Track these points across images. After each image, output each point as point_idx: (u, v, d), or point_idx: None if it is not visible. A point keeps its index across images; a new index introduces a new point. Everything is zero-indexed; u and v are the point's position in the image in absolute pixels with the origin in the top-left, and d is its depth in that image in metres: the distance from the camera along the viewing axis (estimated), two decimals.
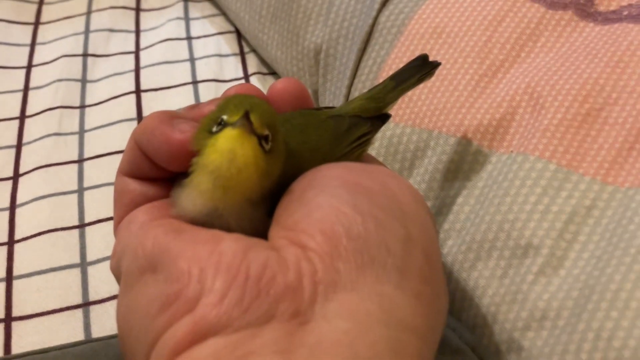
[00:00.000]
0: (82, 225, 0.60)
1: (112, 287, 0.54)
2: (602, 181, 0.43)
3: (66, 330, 0.52)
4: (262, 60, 0.77)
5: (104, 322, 0.53)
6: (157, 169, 0.37)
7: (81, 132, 0.69)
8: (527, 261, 0.42)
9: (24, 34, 0.82)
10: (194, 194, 0.34)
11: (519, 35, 0.51)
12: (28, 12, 0.86)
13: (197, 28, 0.82)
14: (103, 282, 0.55)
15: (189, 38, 0.81)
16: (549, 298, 0.41)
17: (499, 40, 0.51)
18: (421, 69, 0.46)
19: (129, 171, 0.38)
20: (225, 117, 0.34)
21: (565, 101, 0.46)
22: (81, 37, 0.81)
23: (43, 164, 0.65)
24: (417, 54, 0.53)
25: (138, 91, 0.73)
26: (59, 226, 0.60)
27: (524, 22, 0.52)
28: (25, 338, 0.52)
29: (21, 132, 0.69)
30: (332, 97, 0.61)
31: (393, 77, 0.45)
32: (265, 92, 0.40)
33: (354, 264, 0.31)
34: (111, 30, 0.82)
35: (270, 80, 0.75)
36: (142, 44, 0.80)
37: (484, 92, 0.50)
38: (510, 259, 0.43)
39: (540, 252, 0.42)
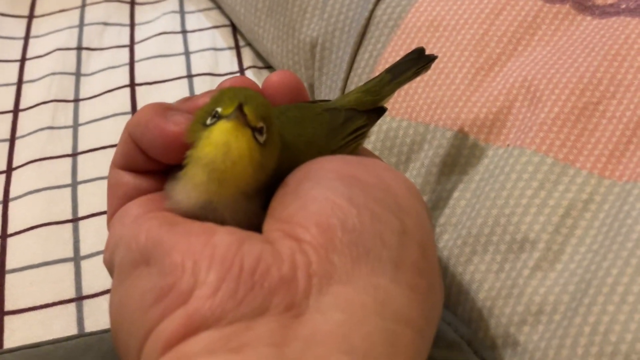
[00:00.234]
0: (75, 219, 0.59)
1: (106, 282, 0.54)
2: (599, 175, 0.43)
3: (59, 325, 0.52)
4: (258, 54, 0.76)
5: (97, 317, 0.53)
6: (151, 161, 0.37)
7: (75, 125, 0.69)
8: (523, 255, 0.42)
9: (18, 27, 0.82)
10: (188, 187, 0.34)
11: (516, 28, 0.51)
12: (22, 5, 0.85)
13: (192, 21, 0.82)
14: (96, 276, 0.55)
15: (184, 31, 0.80)
16: (545, 292, 0.41)
17: (496, 34, 0.51)
18: (417, 62, 0.46)
19: (123, 164, 0.38)
20: (219, 109, 0.34)
21: (563, 95, 0.46)
22: (75, 31, 0.81)
23: (36, 157, 0.65)
24: (413, 47, 0.53)
25: (132, 85, 0.73)
26: (52, 220, 0.59)
27: (521, 16, 0.51)
28: (18, 332, 0.52)
29: (15, 126, 0.69)
30: (328, 90, 0.61)
31: (389, 71, 0.45)
32: (260, 86, 0.40)
33: (349, 256, 0.31)
34: (106, 24, 0.82)
35: (265, 73, 0.74)
36: (137, 38, 0.80)
37: (481, 86, 0.49)
38: (506, 253, 0.43)
39: (536, 246, 0.42)
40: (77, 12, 0.84)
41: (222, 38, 0.79)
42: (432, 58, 0.46)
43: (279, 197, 0.35)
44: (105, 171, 0.40)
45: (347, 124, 0.41)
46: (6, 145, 0.67)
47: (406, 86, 0.48)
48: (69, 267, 0.56)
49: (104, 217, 0.39)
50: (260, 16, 0.71)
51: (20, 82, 0.74)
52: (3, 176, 0.64)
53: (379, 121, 0.46)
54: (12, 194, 0.62)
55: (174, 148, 0.35)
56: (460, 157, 0.48)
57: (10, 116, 0.70)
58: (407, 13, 0.55)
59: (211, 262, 0.31)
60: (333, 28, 0.61)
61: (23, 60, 0.77)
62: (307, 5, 0.65)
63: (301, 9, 0.65)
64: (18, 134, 0.68)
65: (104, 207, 0.39)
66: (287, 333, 0.29)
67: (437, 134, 0.49)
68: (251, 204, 0.35)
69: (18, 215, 0.60)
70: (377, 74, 0.54)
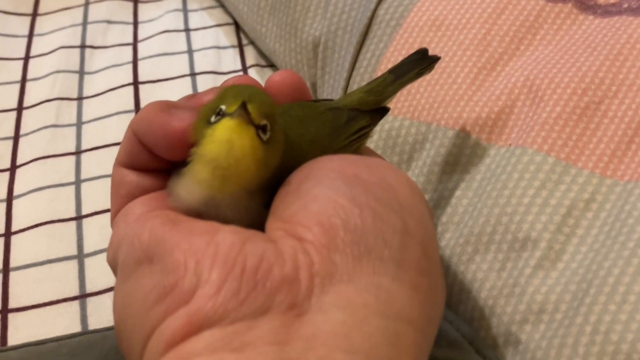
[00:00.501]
0: (79, 217, 0.60)
1: (109, 279, 0.54)
2: (600, 174, 0.43)
3: (63, 322, 0.52)
4: (261, 53, 0.76)
5: (101, 314, 0.53)
6: (155, 159, 0.37)
7: (79, 123, 0.69)
8: (525, 254, 0.42)
9: (21, 25, 0.82)
10: (191, 184, 0.34)
11: (518, 28, 0.51)
12: (26, 3, 0.86)
13: (195, 20, 0.82)
14: (100, 274, 0.55)
15: (187, 30, 0.81)
16: (546, 291, 0.41)
17: (498, 33, 0.51)
18: (420, 62, 0.46)
19: (127, 162, 0.38)
20: (223, 107, 0.34)
21: (564, 94, 0.46)
22: (79, 29, 0.81)
23: (40, 155, 0.65)
24: (415, 46, 0.53)
25: (136, 83, 0.73)
26: (56, 218, 0.60)
27: (524, 15, 0.52)
28: (22, 330, 0.52)
29: (19, 124, 0.69)
30: (331, 89, 0.61)
31: (392, 71, 0.45)
32: (263, 84, 0.40)
33: (351, 255, 0.31)
34: (109, 22, 0.82)
35: (268, 72, 0.75)
36: (140, 36, 0.80)
37: (483, 85, 0.50)
38: (508, 252, 0.43)
39: (538, 245, 0.42)
40: (81, 10, 0.84)
41: (225, 36, 0.79)
42: (435, 59, 0.46)
43: (281, 196, 0.35)
44: (108, 169, 0.40)
45: (350, 124, 0.41)
46: (10, 143, 0.67)
47: (408, 85, 0.49)
48: (73, 264, 0.56)
49: (108, 215, 0.39)
50: (263, 15, 0.71)
51: (24, 80, 0.74)
52: (7, 174, 0.64)
53: (382, 120, 0.46)
54: (16, 192, 0.62)
55: (178, 144, 0.35)
56: (462, 156, 0.48)
57: (14, 114, 0.70)
58: (410, 12, 0.55)
59: (214, 261, 0.31)
60: (336, 27, 0.61)
61: (27, 58, 0.78)
62: (309, 4, 0.65)
63: (304, 8, 0.65)
64: (22, 131, 0.68)
65: (107, 205, 0.39)
66: (289, 332, 0.29)
67: (439, 133, 0.49)
68: (253, 202, 0.35)
69: (22, 213, 0.60)
70: (379, 73, 0.54)
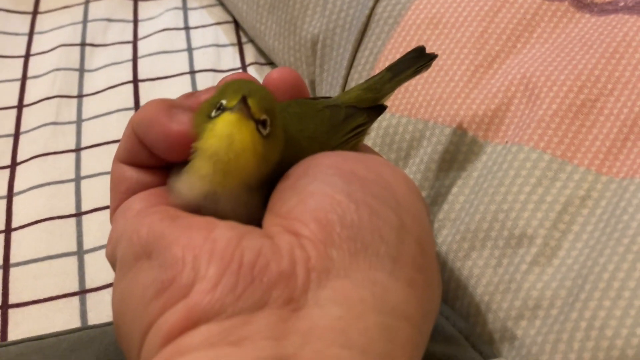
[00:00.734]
0: (79, 214, 0.60)
1: (109, 275, 0.55)
2: (596, 171, 0.43)
3: (62, 318, 0.53)
4: (260, 51, 0.77)
5: (100, 310, 0.53)
6: (155, 157, 0.37)
7: (79, 121, 0.69)
8: (520, 251, 0.43)
9: (22, 23, 0.83)
10: (192, 179, 0.35)
11: (515, 26, 0.51)
12: (26, 2, 0.86)
13: (195, 18, 0.82)
14: (99, 270, 0.56)
15: (186, 28, 0.81)
16: (542, 287, 0.41)
17: (495, 31, 0.52)
18: (418, 60, 0.46)
19: (126, 158, 0.38)
20: (224, 101, 0.34)
21: (561, 92, 0.46)
22: (79, 27, 0.81)
23: (40, 152, 0.65)
24: (413, 44, 0.53)
25: (135, 81, 0.73)
26: (56, 214, 0.60)
27: (520, 13, 0.52)
28: (22, 325, 0.52)
29: (19, 121, 0.70)
30: (329, 87, 0.61)
31: (389, 69, 0.45)
32: (261, 82, 0.40)
33: (347, 251, 0.32)
34: (109, 20, 0.82)
35: (267, 70, 0.75)
36: (140, 34, 0.81)
37: (480, 83, 0.50)
38: (504, 248, 0.43)
39: (534, 242, 0.42)
40: (81, 8, 0.84)
41: (225, 34, 0.80)
42: (432, 57, 0.46)
43: (278, 193, 0.35)
44: (108, 166, 0.40)
45: (347, 121, 0.41)
46: (10, 140, 0.67)
47: (406, 83, 0.49)
48: (73, 260, 0.56)
49: (107, 212, 0.39)
50: (262, 13, 0.71)
51: (24, 78, 0.75)
52: (7, 171, 0.64)
53: (379, 118, 0.47)
54: (16, 189, 0.62)
55: (178, 147, 0.35)
56: (459, 153, 0.48)
57: (14, 112, 0.71)
58: (407, 10, 0.55)
59: (211, 257, 0.31)
60: (334, 25, 0.61)
61: (27, 56, 0.78)
62: (308, 2, 0.65)
63: (302, 6, 0.65)
64: (22, 129, 0.69)
65: (107, 201, 0.39)
66: (286, 327, 0.29)
67: (436, 131, 0.50)
68: (253, 197, 0.36)
69: (22, 210, 0.61)
70: (377, 71, 0.54)
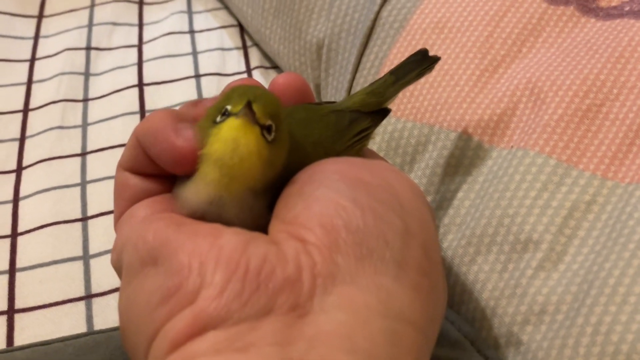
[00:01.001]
0: (84, 218, 0.60)
1: (114, 280, 0.54)
2: (602, 177, 0.43)
3: (68, 323, 0.53)
4: (265, 54, 0.77)
5: (106, 315, 0.53)
6: (159, 167, 0.37)
7: (84, 125, 0.69)
8: (526, 256, 0.43)
9: (27, 27, 0.83)
10: (197, 183, 0.35)
11: (521, 30, 0.51)
12: (32, 5, 0.86)
13: (200, 21, 0.83)
14: (105, 274, 0.56)
15: (191, 32, 0.81)
16: (548, 292, 0.41)
17: (501, 36, 0.52)
18: (421, 63, 0.46)
19: (130, 167, 0.38)
20: (229, 107, 0.34)
21: (566, 97, 0.46)
22: (84, 31, 0.81)
23: (46, 157, 0.65)
24: (418, 48, 0.53)
25: (141, 85, 0.73)
26: (61, 219, 0.60)
27: (526, 18, 0.52)
28: (28, 330, 0.52)
29: (24, 125, 0.70)
30: (334, 91, 0.61)
31: (393, 72, 0.45)
32: (267, 86, 0.40)
33: (353, 256, 0.32)
34: (114, 24, 0.82)
35: (272, 74, 0.75)
36: (145, 38, 0.81)
37: (485, 87, 0.50)
38: (509, 253, 0.43)
39: (539, 247, 0.42)
40: (86, 12, 0.84)
41: (230, 38, 0.80)
42: (435, 59, 0.46)
43: (284, 199, 0.35)
44: (114, 170, 0.40)
45: (352, 126, 0.41)
46: (16, 144, 0.68)
47: (411, 87, 0.49)
48: (78, 265, 0.56)
49: (113, 216, 0.39)
50: (267, 17, 0.71)
51: (29, 82, 0.75)
52: (13, 175, 0.64)
53: (384, 122, 0.47)
54: (22, 193, 0.63)
55: (183, 162, 0.35)
56: (464, 158, 0.48)
57: (20, 116, 0.71)
58: (413, 14, 0.55)
59: (217, 263, 0.31)
60: (339, 29, 0.61)
61: (33, 60, 0.78)
62: (313, 6, 0.65)
63: (308, 10, 0.65)
64: (28, 133, 0.69)
65: (112, 206, 0.39)
66: (292, 333, 0.29)
67: (442, 135, 0.50)
68: (258, 202, 0.36)
69: (28, 214, 0.61)
70: (382, 75, 0.54)
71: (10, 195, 0.62)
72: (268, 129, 0.34)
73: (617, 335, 0.37)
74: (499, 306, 0.43)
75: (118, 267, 0.37)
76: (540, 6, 0.52)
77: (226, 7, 0.84)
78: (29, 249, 0.58)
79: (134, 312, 0.33)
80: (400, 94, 0.45)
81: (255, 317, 0.30)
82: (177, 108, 0.41)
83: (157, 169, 0.37)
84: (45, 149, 0.66)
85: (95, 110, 0.71)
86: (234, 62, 0.76)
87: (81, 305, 0.54)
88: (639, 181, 0.42)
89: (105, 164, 0.65)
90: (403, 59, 0.49)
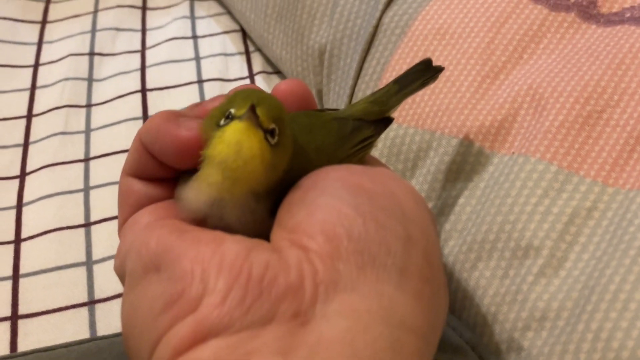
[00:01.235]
0: (88, 224, 0.60)
1: (118, 286, 0.54)
2: (603, 183, 0.43)
3: (72, 328, 0.53)
4: (267, 60, 0.77)
5: (110, 320, 0.53)
6: (163, 168, 0.37)
7: (87, 130, 0.70)
8: (527, 262, 0.43)
9: (31, 33, 0.83)
10: (199, 185, 0.35)
11: (522, 36, 0.52)
12: (35, 11, 0.86)
13: (202, 27, 0.83)
14: (108, 280, 0.56)
15: (194, 37, 0.81)
16: (548, 299, 0.41)
17: (502, 42, 0.52)
18: (424, 73, 0.46)
19: (134, 171, 0.39)
20: (232, 110, 0.34)
21: (567, 103, 0.46)
22: (88, 36, 0.81)
23: (49, 162, 0.66)
24: (420, 55, 0.53)
25: (144, 90, 0.74)
26: (65, 225, 0.60)
27: (527, 24, 0.52)
28: (31, 336, 0.52)
29: (28, 131, 0.70)
30: (336, 97, 0.61)
31: (396, 81, 0.45)
32: (269, 92, 0.41)
33: (355, 264, 0.32)
34: (117, 29, 0.83)
35: (275, 79, 0.75)
36: (148, 43, 0.81)
37: (487, 94, 0.50)
38: (510, 259, 0.44)
39: (540, 253, 0.42)
40: (90, 17, 0.85)
41: (233, 43, 0.80)
42: (439, 69, 0.47)
43: (286, 206, 0.35)
44: (117, 176, 0.40)
45: (354, 134, 0.41)
46: (20, 150, 0.68)
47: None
48: (82, 271, 0.57)
49: (116, 222, 0.40)
50: (269, 22, 0.72)
51: (33, 88, 0.75)
52: (17, 181, 0.65)
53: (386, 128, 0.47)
54: (25, 199, 0.63)
55: (187, 153, 0.35)
56: (465, 164, 0.49)
57: (23, 121, 0.71)
58: (414, 21, 0.55)
59: (220, 270, 0.31)
60: (341, 35, 0.61)
61: (36, 65, 0.78)
62: (315, 11, 0.65)
63: (310, 16, 0.66)
64: (31, 139, 0.69)
65: (116, 211, 0.40)
66: (294, 340, 0.30)
67: (443, 141, 0.50)
68: (259, 206, 0.36)
69: (31, 220, 0.61)
70: (384, 81, 0.54)
71: (13, 201, 0.63)
72: (271, 132, 0.34)
73: (618, 341, 0.37)
74: (500, 312, 0.43)
75: (121, 274, 0.37)
76: (541, 12, 0.52)
77: (229, 12, 0.84)
78: (33, 255, 0.58)
79: (136, 318, 0.33)
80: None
81: (257, 324, 0.30)
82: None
83: (160, 171, 0.37)
84: (49, 155, 0.66)
85: (99, 115, 0.71)
86: (237, 68, 0.77)
87: (84, 311, 0.54)
88: None
89: (109, 170, 0.65)
90: (405, 66, 0.49)
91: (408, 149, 0.51)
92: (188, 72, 0.76)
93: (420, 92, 0.52)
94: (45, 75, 0.77)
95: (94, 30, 0.82)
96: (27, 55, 0.80)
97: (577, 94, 0.46)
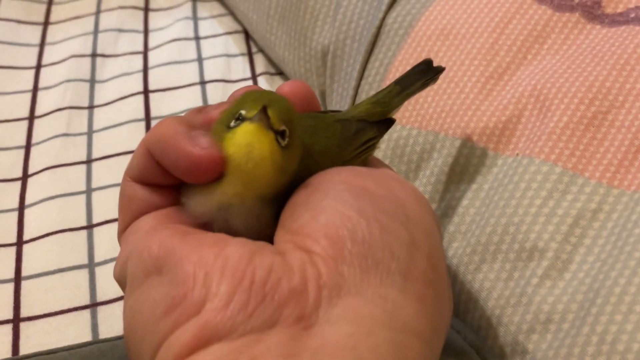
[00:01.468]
0: (90, 226, 0.60)
1: (119, 288, 0.55)
2: (608, 184, 0.43)
3: (74, 331, 0.53)
4: (270, 61, 0.77)
5: (112, 323, 0.53)
6: (169, 177, 0.37)
7: (89, 132, 0.69)
8: (532, 264, 0.43)
9: (33, 34, 0.83)
10: (209, 188, 0.35)
11: (526, 37, 0.51)
12: (37, 12, 0.86)
13: (205, 28, 0.83)
14: (111, 282, 0.55)
15: (197, 38, 0.81)
16: (553, 301, 0.41)
17: (506, 43, 0.51)
18: (426, 73, 0.46)
19: (138, 177, 0.38)
20: (243, 111, 0.34)
21: (572, 104, 0.46)
22: (90, 37, 0.81)
23: (52, 164, 0.66)
24: (423, 55, 0.53)
25: (146, 91, 0.74)
26: (67, 227, 0.60)
27: (531, 25, 0.52)
28: (33, 339, 0.52)
29: (30, 133, 0.70)
30: (339, 98, 0.61)
31: (398, 82, 0.45)
32: None
33: (358, 267, 0.32)
34: (120, 30, 0.82)
35: (277, 80, 0.75)
36: (151, 44, 0.81)
37: (490, 95, 0.50)
38: (515, 261, 0.43)
39: (545, 255, 0.42)
40: (92, 18, 0.85)
41: (235, 44, 0.80)
42: (439, 70, 0.46)
43: (289, 209, 0.35)
44: (119, 178, 0.40)
45: (358, 135, 0.41)
46: (22, 152, 0.68)
47: (416, 95, 0.49)
48: (84, 273, 0.56)
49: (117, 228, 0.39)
50: (272, 23, 0.71)
51: (35, 89, 0.75)
52: (19, 183, 0.64)
53: (389, 129, 0.47)
54: (27, 201, 0.63)
55: (199, 171, 0.35)
56: (469, 165, 0.48)
57: (25, 123, 0.71)
58: (418, 21, 0.55)
59: (223, 274, 0.31)
60: (344, 36, 0.61)
61: (38, 67, 0.78)
62: (318, 12, 0.65)
63: (313, 17, 0.65)
64: (33, 141, 0.69)
65: (117, 214, 0.39)
66: (297, 345, 0.29)
67: (447, 143, 0.50)
68: (265, 210, 0.36)
69: (33, 222, 0.61)
70: (387, 82, 0.54)
71: (15, 203, 0.62)
72: (282, 134, 0.34)
73: (623, 344, 0.37)
74: (504, 315, 0.43)
75: (121, 281, 0.37)
76: (545, 13, 0.52)
77: (231, 13, 0.84)
78: (35, 257, 0.58)
79: (138, 321, 0.33)
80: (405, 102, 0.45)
81: (260, 329, 0.30)
82: (181, 115, 0.41)
83: (167, 179, 0.37)
84: (51, 157, 0.66)
85: (101, 117, 0.71)
86: (239, 69, 0.76)
87: (86, 313, 0.54)
88: None
89: (111, 171, 0.65)
90: (408, 66, 0.49)
91: (412, 150, 0.51)
92: (190, 73, 0.76)
93: (424, 93, 0.52)
94: (47, 76, 0.77)
95: (96, 32, 0.82)
96: (29, 57, 0.79)
97: (581, 95, 0.46)
